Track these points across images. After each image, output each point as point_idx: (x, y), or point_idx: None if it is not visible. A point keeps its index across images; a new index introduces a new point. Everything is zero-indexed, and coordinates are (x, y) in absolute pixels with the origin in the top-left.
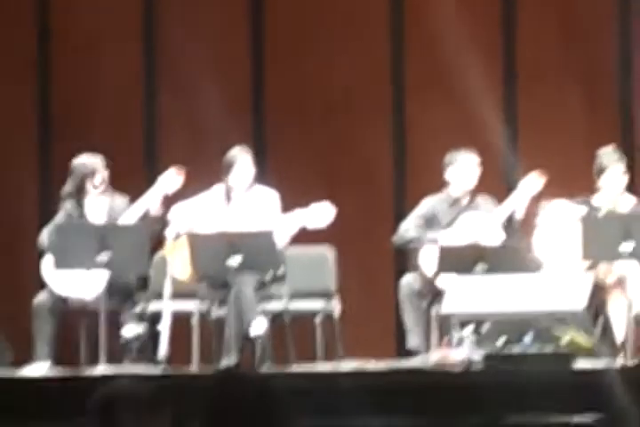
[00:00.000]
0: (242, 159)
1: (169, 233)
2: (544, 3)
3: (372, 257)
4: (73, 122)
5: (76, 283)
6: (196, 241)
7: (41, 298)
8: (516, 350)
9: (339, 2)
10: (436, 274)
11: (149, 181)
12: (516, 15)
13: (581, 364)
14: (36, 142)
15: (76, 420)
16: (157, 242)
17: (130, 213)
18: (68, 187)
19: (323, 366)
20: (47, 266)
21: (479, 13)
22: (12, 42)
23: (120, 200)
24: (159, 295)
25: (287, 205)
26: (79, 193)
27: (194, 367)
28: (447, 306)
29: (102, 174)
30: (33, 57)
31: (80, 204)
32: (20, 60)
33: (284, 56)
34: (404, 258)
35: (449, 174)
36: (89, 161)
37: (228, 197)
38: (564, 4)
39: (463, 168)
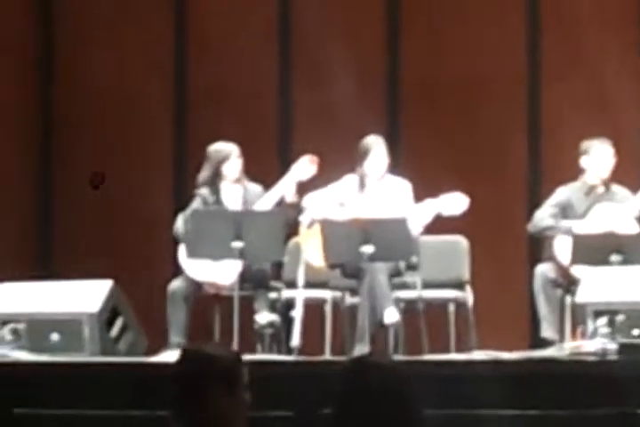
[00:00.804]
0: (377, 148)
1: (303, 220)
2: None
3: (505, 246)
4: (208, 113)
5: (212, 268)
6: (330, 228)
7: (175, 284)
8: None
9: None
10: (572, 263)
11: (283, 170)
12: None
13: None
14: (172, 131)
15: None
16: (292, 229)
17: (265, 200)
18: (204, 173)
19: (456, 356)
20: (183, 253)
21: (615, 6)
22: (150, 38)
23: (254, 188)
24: (293, 283)
25: (420, 196)
26: (215, 179)
27: (326, 356)
28: (582, 295)
29: (236, 161)
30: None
31: (216, 190)
32: (159, 53)
33: (420, 48)
34: (537, 247)
35: (584, 162)
36: (224, 148)
37: (362, 186)
38: None
39: (598, 157)
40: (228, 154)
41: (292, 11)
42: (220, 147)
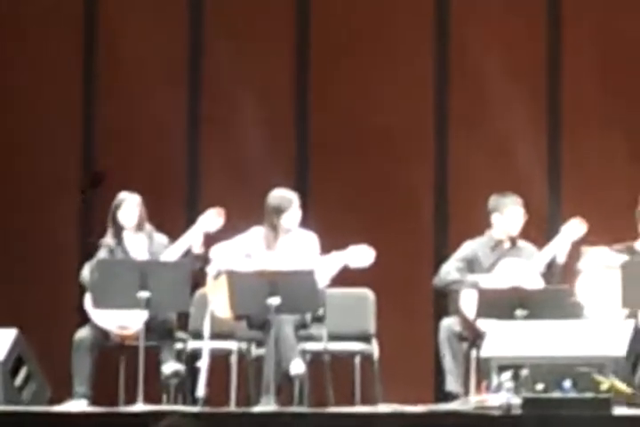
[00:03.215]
0: (294, 204)
1: (210, 271)
2: (589, 52)
3: (412, 299)
4: (116, 161)
5: (118, 316)
6: (236, 280)
7: (81, 333)
8: (555, 394)
9: (383, 38)
10: (477, 317)
11: (190, 221)
12: (561, 62)
13: (621, 410)
14: (78, 178)
15: None
16: (199, 280)
17: (171, 251)
18: (109, 223)
19: (361, 409)
20: (90, 302)
21: (524, 58)
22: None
23: (160, 238)
24: (199, 334)
25: (327, 249)
26: (115, 228)
27: (232, 407)
28: (487, 350)
29: (130, 209)
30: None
31: (119, 240)
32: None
33: (329, 100)
34: (443, 301)
35: (494, 219)
36: (120, 196)
37: (274, 239)
38: (608, 52)
39: (510, 217)
40: (120, 202)
41: (202, 60)
42: (119, 195)
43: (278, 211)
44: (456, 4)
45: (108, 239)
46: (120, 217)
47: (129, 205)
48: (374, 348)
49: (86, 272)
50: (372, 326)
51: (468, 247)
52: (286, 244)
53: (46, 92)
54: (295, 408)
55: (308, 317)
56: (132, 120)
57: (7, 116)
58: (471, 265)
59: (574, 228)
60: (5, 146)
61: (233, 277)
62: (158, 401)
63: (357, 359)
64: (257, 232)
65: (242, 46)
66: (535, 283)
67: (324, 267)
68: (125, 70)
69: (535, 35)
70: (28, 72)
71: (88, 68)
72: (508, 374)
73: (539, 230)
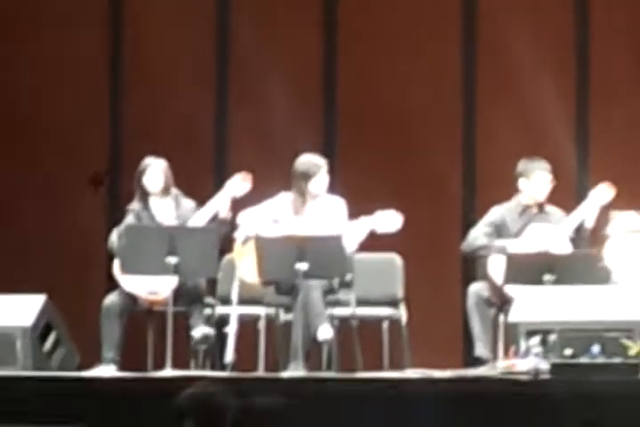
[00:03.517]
0: (323, 169)
1: (238, 236)
2: (617, 23)
3: (439, 265)
4: (144, 129)
5: (148, 281)
6: (264, 245)
7: (110, 299)
8: (583, 360)
9: (411, 16)
10: (505, 282)
11: (217, 186)
12: (589, 32)
13: None
14: (106, 146)
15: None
16: (226, 245)
17: (199, 216)
18: (135, 188)
19: (389, 374)
20: (118, 267)
21: (552, 29)
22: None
23: (187, 204)
24: (227, 299)
25: (355, 214)
26: (141, 194)
27: (260, 372)
28: (515, 315)
29: (155, 174)
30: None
31: (146, 205)
32: (95, 71)
33: (356, 66)
34: (471, 266)
35: (521, 184)
36: (143, 161)
37: (302, 204)
38: (636, 23)
39: (537, 183)
40: (145, 167)
41: (229, 32)
42: (144, 160)
43: (306, 176)
44: None
45: (135, 204)
46: (145, 182)
47: (154, 170)
48: (402, 313)
49: (114, 238)
50: (399, 292)
51: (495, 212)
52: (314, 209)
53: (72, 92)
54: (324, 373)
55: (336, 282)
56: (158, 88)
57: (35, 115)
58: (499, 230)
59: (602, 192)
60: (35, 143)
61: (261, 242)
62: (187, 367)
63: (385, 324)
64: (285, 198)
65: (269, 31)
66: (563, 248)
67: (352, 232)
68: (152, 53)
69: (564, 5)
70: (53, 72)
71: (114, 66)
72: (536, 339)
73: (567, 195)
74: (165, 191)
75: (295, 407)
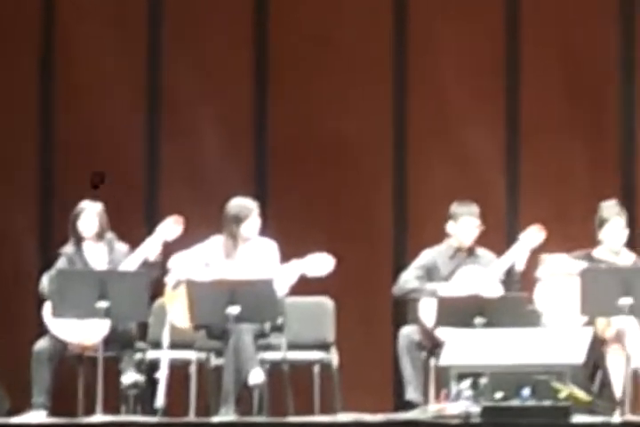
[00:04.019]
0: (254, 213)
1: (169, 280)
2: (548, 59)
3: (371, 308)
4: (77, 171)
5: (78, 327)
6: (195, 289)
7: (41, 344)
8: (514, 403)
9: (343, 51)
10: (436, 325)
11: (150, 229)
12: (520, 69)
13: (580, 418)
14: (36, 190)
15: None
16: (157, 289)
17: (130, 260)
18: (69, 232)
19: (320, 418)
20: (48, 312)
21: (483, 68)
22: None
23: (121, 247)
24: (158, 343)
25: (287, 256)
26: (75, 238)
27: (191, 417)
28: (445, 358)
29: (90, 218)
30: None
31: (79, 249)
32: (26, 106)
33: (288, 108)
34: (402, 309)
35: (449, 228)
36: (79, 205)
37: (234, 248)
38: (568, 59)
39: (464, 228)
40: (79, 211)
41: (161, 73)
42: (79, 204)
43: (238, 219)
44: (413, 13)
45: (68, 248)
46: (79, 226)
47: (88, 215)
48: (333, 357)
49: (45, 282)
50: (331, 335)
51: (426, 256)
52: (246, 252)
53: (1, 107)
54: (255, 418)
55: (268, 326)
56: (90, 132)
57: None
58: (430, 273)
59: (533, 235)
60: None
61: (192, 286)
62: (117, 411)
63: (317, 368)
64: (216, 241)
65: (200, 60)
66: (494, 291)
67: (284, 275)
68: (84, 81)
69: (494, 40)
70: None
71: (45, 94)
72: (467, 383)
73: (498, 238)
74: (99, 236)
75: None
